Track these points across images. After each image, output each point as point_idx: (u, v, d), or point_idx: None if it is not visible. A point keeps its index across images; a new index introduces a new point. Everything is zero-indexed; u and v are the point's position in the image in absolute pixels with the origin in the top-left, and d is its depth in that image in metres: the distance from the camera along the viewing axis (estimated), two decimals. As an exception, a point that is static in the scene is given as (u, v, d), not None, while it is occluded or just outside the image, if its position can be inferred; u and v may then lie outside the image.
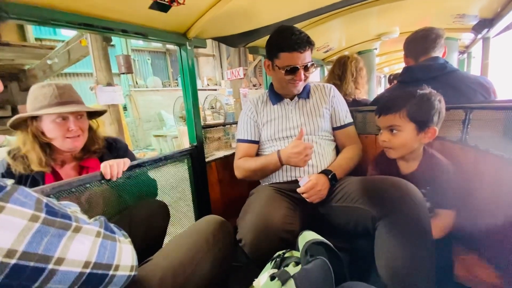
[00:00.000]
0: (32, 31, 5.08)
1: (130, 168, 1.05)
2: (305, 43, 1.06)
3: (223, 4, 1.05)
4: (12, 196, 0.40)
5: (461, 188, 0.92)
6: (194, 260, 0.71)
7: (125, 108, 7.17)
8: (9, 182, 0.43)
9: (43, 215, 0.42)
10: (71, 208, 0.66)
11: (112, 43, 3.86)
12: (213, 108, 7.27)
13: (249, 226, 0.89)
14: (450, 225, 0.92)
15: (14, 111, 4.54)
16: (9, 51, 3.90)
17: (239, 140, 1.25)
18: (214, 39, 1.41)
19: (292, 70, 1.08)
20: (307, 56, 1.08)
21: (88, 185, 0.92)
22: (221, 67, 10.01)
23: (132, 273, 0.55)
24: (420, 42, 1.29)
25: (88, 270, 0.46)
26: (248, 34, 1.42)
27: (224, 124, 1.56)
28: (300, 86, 1.15)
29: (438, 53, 1.26)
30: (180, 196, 1.32)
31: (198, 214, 1.35)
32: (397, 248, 0.75)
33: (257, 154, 1.25)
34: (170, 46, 8.51)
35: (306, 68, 1.10)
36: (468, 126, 0.99)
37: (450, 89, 1.08)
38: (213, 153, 1.46)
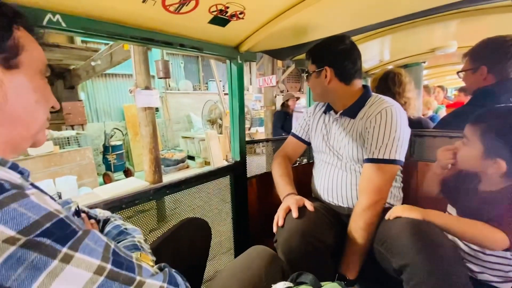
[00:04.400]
0: (79, 33, 5.40)
1: (176, 185, 1.03)
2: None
3: (281, 18, 1.00)
4: (83, 243, 0.36)
5: None
6: (249, 300, 0.65)
7: (156, 109, 7.42)
8: (81, 223, 0.40)
9: (109, 266, 0.37)
10: (136, 236, 0.62)
11: (151, 47, 3.99)
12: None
13: (285, 226, 0.92)
14: None
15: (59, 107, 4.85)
16: (58, 52, 4.18)
17: (291, 133, 1.30)
18: (264, 52, 1.36)
19: None
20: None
21: (137, 201, 0.90)
22: (250, 72, 10.05)
23: None
24: None
25: None
26: (298, 47, 1.35)
27: (268, 140, 1.49)
28: (313, 95, 1.16)
29: None
30: (219, 213, 1.28)
31: (237, 233, 1.30)
32: None
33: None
34: (202, 50, 8.70)
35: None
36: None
37: None
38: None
